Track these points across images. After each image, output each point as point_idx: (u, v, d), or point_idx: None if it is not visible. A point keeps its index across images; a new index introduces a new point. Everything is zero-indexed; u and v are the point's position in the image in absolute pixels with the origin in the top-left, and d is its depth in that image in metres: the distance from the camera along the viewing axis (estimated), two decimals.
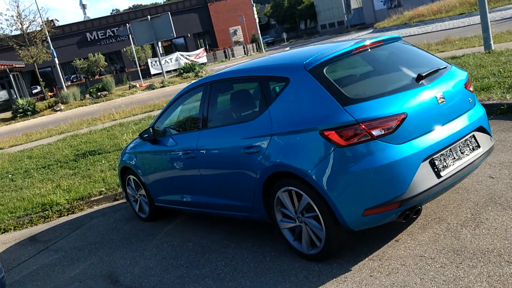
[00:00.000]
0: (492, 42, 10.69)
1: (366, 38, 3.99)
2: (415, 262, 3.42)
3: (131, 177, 5.84)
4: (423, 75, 3.59)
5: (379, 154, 3.25)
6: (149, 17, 23.68)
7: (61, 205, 7.05)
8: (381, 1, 44.85)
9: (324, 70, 3.55)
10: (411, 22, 26.50)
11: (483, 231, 3.61)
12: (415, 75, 3.60)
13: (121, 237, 5.50)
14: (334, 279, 3.46)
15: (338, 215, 3.40)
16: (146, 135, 5.26)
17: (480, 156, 3.72)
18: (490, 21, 10.79)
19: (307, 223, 3.67)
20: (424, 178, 3.33)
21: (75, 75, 48.96)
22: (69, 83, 42.33)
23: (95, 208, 6.98)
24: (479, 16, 20.84)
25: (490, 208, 3.93)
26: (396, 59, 3.92)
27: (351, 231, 3.53)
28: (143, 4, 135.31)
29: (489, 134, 3.94)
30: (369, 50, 3.78)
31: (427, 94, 3.50)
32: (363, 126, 3.24)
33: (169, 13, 24.26)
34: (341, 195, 3.33)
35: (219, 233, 4.87)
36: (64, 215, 6.92)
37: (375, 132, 3.25)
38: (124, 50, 40.84)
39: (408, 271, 3.33)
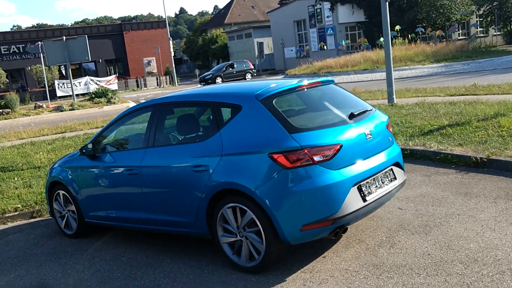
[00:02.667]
0: (394, 96, 12.02)
1: (305, 78, 4.57)
2: (341, 274, 3.91)
3: (61, 192, 5.80)
4: (355, 113, 4.21)
5: (318, 177, 3.75)
6: (64, 37, 23.07)
7: None
8: (291, 50, 47.58)
9: (273, 101, 4.04)
10: (320, 72, 28.51)
11: (397, 250, 4.22)
12: (348, 113, 4.21)
13: (47, 252, 5.41)
14: None
15: (279, 230, 3.81)
16: (85, 150, 5.34)
17: (396, 187, 4.38)
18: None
19: (248, 237, 4.03)
20: (353, 201, 3.88)
21: None
22: None
23: (10, 224, 6.73)
24: (380, 73, 23.39)
25: (401, 233, 4.58)
26: (332, 98, 4.52)
27: (288, 245, 3.96)
28: (48, 24, 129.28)
29: (403, 169, 4.63)
30: (310, 88, 4.36)
31: (358, 130, 4.12)
32: (307, 152, 3.74)
33: (86, 36, 23.86)
34: (283, 211, 3.76)
35: (153, 249, 5.03)
36: None
37: (316, 158, 3.76)
38: (30, 68, 38.82)
39: (337, 281, 3.80)
